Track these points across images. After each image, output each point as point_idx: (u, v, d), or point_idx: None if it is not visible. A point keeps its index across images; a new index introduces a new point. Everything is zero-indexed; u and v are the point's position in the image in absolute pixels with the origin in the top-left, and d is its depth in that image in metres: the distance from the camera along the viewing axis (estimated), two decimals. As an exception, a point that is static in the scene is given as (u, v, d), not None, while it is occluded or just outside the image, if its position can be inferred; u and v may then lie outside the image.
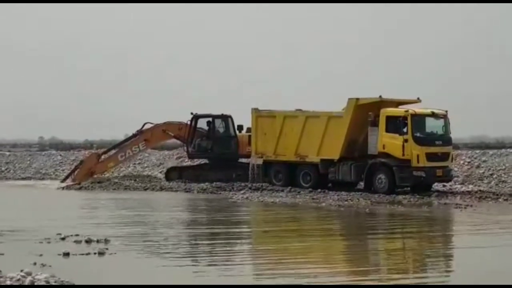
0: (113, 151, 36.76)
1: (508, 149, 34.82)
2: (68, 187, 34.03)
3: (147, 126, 35.99)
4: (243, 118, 35.45)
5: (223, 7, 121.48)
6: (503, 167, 32.12)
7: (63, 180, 36.77)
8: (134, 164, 41.68)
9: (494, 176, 31.67)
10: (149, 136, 35.91)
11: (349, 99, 29.65)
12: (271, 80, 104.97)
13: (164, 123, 36.08)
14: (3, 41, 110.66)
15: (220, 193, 30.02)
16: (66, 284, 10.76)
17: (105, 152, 37.18)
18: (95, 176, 35.99)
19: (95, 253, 14.65)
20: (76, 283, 11.10)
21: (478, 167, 32.84)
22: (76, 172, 36.19)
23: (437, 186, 29.90)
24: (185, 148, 36.11)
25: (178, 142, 38.82)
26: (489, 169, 32.31)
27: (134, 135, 36.10)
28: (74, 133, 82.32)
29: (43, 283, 10.48)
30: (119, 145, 36.79)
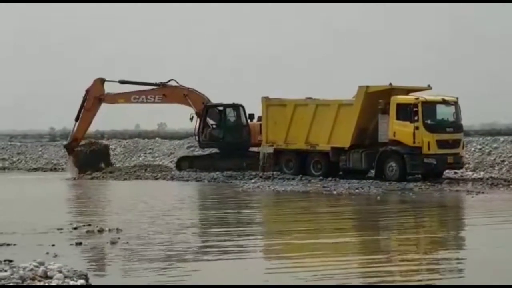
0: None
1: (520, 136, 34.69)
2: (79, 178, 34.14)
3: (171, 83, 36.09)
4: (252, 108, 35.55)
5: (224, 7, 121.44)
6: (515, 153, 31.99)
7: (77, 118, 36.34)
8: (145, 153, 41.76)
9: (506, 163, 31.57)
10: (169, 93, 35.99)
11: (359, 87, 29.58)
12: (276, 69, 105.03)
13: (189, 88, 36.07)
14: (12, 40, 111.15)
15: (231, 182, 30.05)
16: (79, 274, 10.80)
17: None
18: (103, 103, 36.00)
19: (107, 243, 14.67)
20: (89, 273, 11.14)
21: (489, 154, 32.73)
22: (85, 104, 36.01)
23: (448, 173, 29.84)
24: (196, 137, 36.10)
25: (189, 131, 38.72)
26: (500, 155, 32.20)
27: (156, 84, 36.14)
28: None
29: (56, 272, 10.50)
30: (139, 84, 36.53)
